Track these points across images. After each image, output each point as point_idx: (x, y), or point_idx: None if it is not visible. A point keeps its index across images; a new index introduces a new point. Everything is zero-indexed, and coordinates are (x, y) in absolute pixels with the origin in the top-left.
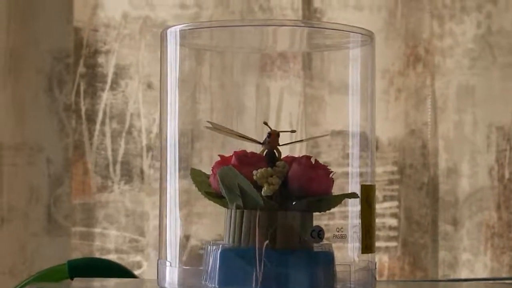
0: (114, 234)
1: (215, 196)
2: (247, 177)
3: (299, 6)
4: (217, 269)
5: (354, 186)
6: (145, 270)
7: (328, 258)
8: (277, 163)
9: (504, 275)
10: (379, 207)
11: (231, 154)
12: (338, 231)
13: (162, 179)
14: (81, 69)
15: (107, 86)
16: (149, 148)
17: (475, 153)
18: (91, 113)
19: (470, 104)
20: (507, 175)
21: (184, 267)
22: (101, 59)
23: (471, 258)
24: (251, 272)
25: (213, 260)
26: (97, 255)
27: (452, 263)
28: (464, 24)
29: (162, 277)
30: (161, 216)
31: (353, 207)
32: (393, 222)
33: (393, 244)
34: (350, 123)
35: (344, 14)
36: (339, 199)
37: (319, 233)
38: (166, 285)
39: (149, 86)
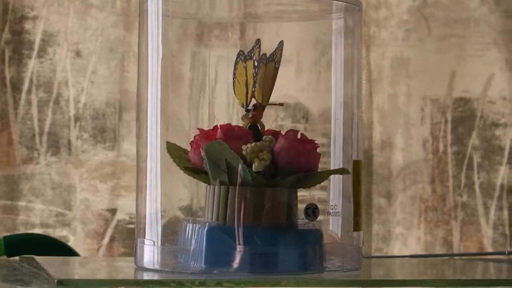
0: (39, 208)
1: (195, 172)
2: (235, 152)
3: None
4: (203, 249)
5: (337, 162)
6: (72, 245)
7: (317, 236)
8: (263, 137)
9: (437, 249)
10: None
11: (211, 128)
12: (332, 208)
13: (139, 153)
14: (6, 35)
15: (34, 54)
16: (77, 119)
17: (409, 126)
18: (16, 81)
19: (405, 76)
20: (441, 148)
21: (169, 246)
22: (28, 25)
23: (404, 232)
24: (240, 251)
25: (198, 239)
26: (21, 229)
27: (386, 237)
28: None
29: (140, 257)
30: (140, 192)
31: (339, 183)
32: (323, 195)
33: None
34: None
35: None
36: (327, 175)
37: (314, 210)
38: (146, 265)
39: (78, 54)
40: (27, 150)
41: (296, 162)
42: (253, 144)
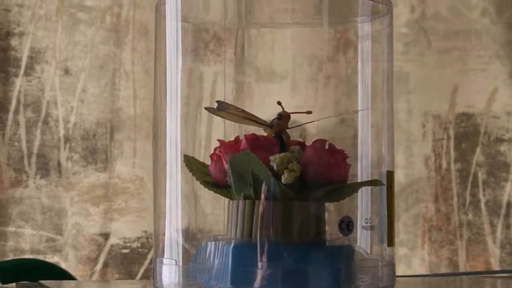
0: (29, 233)
1: (216, 186)
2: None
3: None
4: (229, 267)
5: (364, 173)
6: None
7: (349, 252)
8: (291, 147)
9: (443, 270)
10: None
11: (232, 139)
12: (367, 222)
13: (157, 170)
14: None
15: (21, 72)
16: (67, 139)
17: (410, 143)
18: (3, 101)
19: (405, 92)
20: (444, 165)
21: (192, 265)
22: (14, 42)
23: (408, 253)
24: (270, 269)
25: (222, 257)
26: (10, 256)
27: None
28: (397, 7)
29: (161, 277)
30: (158, 210)
31: (371, 195)
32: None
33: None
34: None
35: None
36: (359, 187)
37: (348, 224)
38: (169, 285)
39: (67, 71)
40: (15, 172)
41: (326, 174)
42: (281, 154)
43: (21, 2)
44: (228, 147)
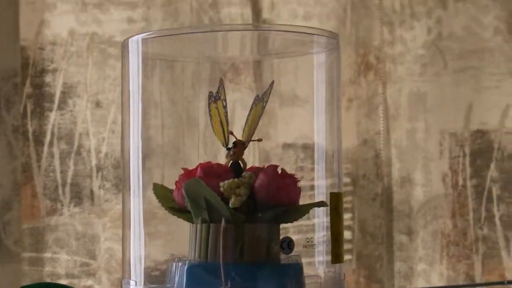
0: (64, 259)
1: (179, 211)
2: (213, 189)
3: (249, 17)
4: (184, 286)
5: (320, 196)
6: None
7: (297, 270)
8: (243, 173)
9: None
10: None
11: (195, 167)
12: (308, 241)
13: (124, 197)
14: (27, 89)
15: (55, 106)
16: (99, 169)
17: (428, 161)
18: (39, 134)
19: (422, 111)
20: (461, 182)
21: (150, 285)
22: (48, 78)
23: (427, 268)
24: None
25: (179, 277)
26: (47, 280)
27: (408, 274)
28: (414, 30)
29: None
30: (125, 235)
31: (320, 217)
32: (347, 234)
33: (347, 257)
34: (314, 133)
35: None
36: (308, 209)
37: (289, 244)
38: None
39: (98, 104)
40: (51, 201)
41: (275, 197)
42: (230, 180)
43: (53, 40)
44: (186, 174)
